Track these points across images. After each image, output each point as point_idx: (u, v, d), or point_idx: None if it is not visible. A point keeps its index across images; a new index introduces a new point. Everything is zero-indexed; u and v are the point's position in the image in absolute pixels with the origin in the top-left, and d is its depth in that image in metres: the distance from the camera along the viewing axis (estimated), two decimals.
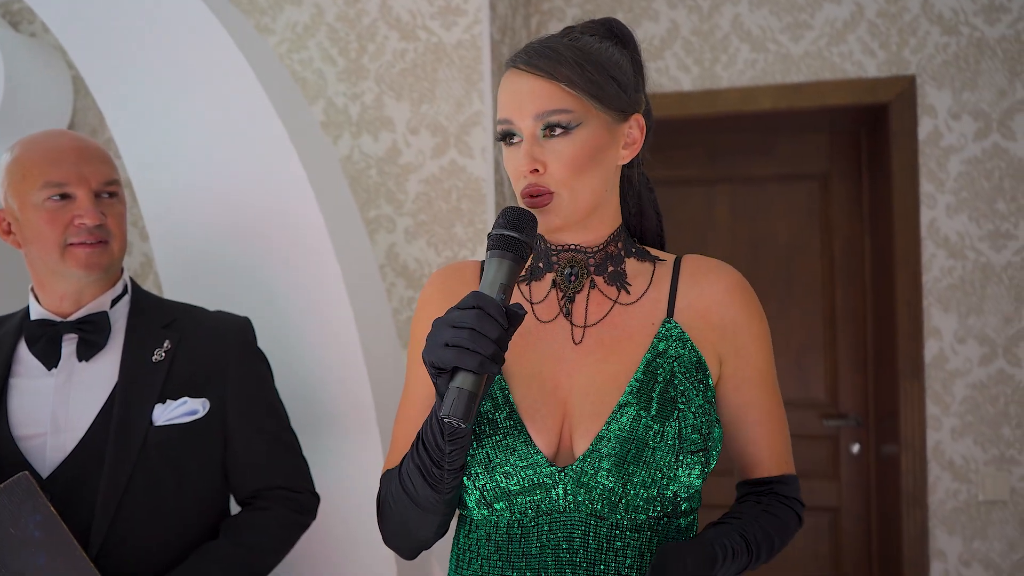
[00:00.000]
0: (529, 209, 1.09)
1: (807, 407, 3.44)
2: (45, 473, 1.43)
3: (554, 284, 1.18)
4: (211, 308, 1.80)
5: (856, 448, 3.40)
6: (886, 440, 3.23)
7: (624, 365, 1.11)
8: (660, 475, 1.06)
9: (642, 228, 1.26)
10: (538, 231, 1.12)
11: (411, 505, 1.10)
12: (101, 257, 1.49)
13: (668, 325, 1.14)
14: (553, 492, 1.07)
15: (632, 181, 1.23)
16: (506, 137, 1.12)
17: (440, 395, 0.98)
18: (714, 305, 1.15)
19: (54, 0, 1.95)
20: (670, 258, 1.20)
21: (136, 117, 1.98)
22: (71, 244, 1.47)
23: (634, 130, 1.16)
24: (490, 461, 1.09)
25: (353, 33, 2.69)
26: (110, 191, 1.52)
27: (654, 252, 1.22)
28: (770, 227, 3.47)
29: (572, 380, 1.12)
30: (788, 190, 3.46)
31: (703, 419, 1.09)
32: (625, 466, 1.06)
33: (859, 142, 3.39)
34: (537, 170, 1.09)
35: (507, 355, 1.14)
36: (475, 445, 1.09)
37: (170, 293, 1.99)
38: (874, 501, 3.38)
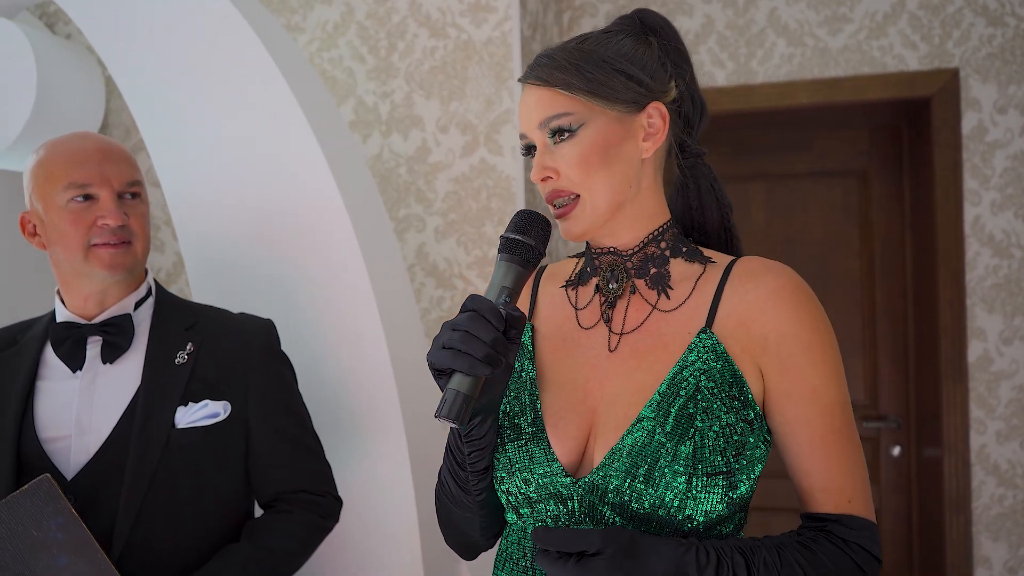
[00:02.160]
0: (557, 218, 1.09)
1: None
2: (70, 475, 1.43)
3: (597, 289, 1.15)
4: (238, 309, 1.79)
5: (897, 450, 3.32)
6: (928, 443, 3.14)
7: (654, 375, 1.06)
8: (671, 496, 1.00)
9: (704, 224, 1.19)
10: (568, 238, 1.11)
11: (451, 505, 1.13)
12: (124, 257, 1.49)
13: (703, 335, 1.06)
14: (569, 503, 1.05)
15: (686, 173, 1.17)
16: (528, 151, 1.12)
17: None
18: (756, 313, 1.05)
19: (84, 2, 1.96)
20: (725, 260, 1.12)
21: (165, 118, 1.98)
22: (95, 245, 1.47)
23: (655, 119, 1.09)
24: (511, 465, 1.08)
25: (383, 31, 2.67)
26: (133, 192, 1.52)
27: (708, 253, 1.14)
28: (807, 224, 3.40)
29: (603, 388, 1.08)
30: (826, 187, 3.39)
31: (730, 440, 1.01)
32: (634, 484, 1.01)
33: (900, 137, 3.31)
34: (549, 177, 1.08)
35: (543, 360, 1.13)
36: (500, 449, 1.09)
37: (198, 293, 1.98)
38: (915, 505, 3.30)
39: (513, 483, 1.07)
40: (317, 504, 1.57)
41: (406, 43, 2.66)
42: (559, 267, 1.23)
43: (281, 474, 1.56)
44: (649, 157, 1.11)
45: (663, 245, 1.13)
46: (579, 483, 1.04)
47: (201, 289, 1.98)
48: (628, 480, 1.01)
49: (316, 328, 1.88)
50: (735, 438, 1.02)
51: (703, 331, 1.06)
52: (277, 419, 1.56)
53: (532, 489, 1.06)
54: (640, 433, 1.02)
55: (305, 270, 1.90)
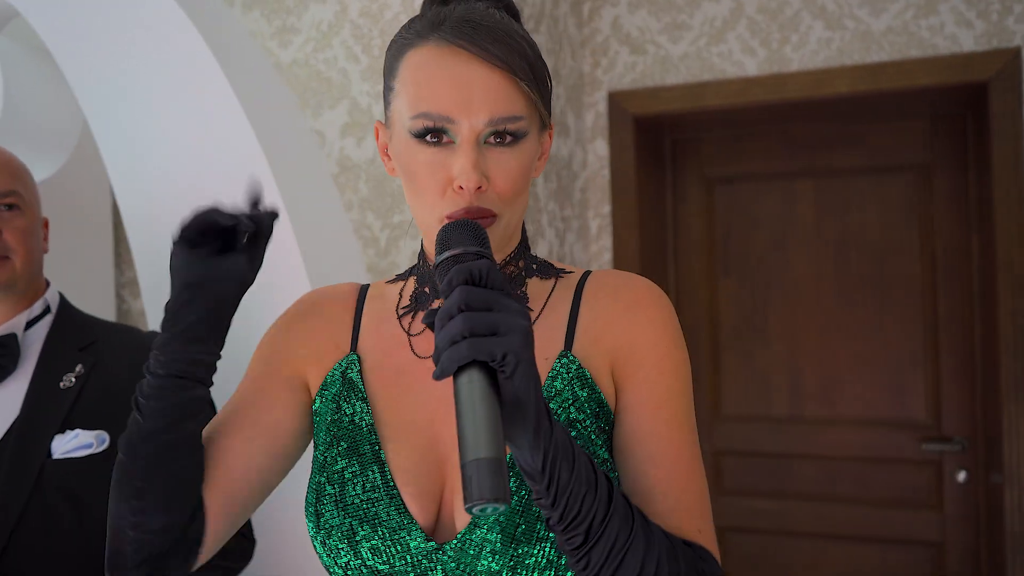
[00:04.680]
0: None
1: (904, 428, 3.04)
2: None
3: None
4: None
5: (962, 476, 2.98)
6: (995, 469, 2.80)
7: None
8: (558, 554, 0.84)
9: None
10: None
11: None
12: None
13: (564, 360, 0.91)
14: (430, 575, 0.86)
15: None
16: (430, 135, 0.87)
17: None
18: (609, 326, 0.92)
19: (47, 12, 1.91)
20: (578, 273, 0.99)
21: (119, 126, 1.92)
22: None
23: (546, 140, 0.97)
24: (354, 534, 0.88)
25: (376, 29, 2.55)
26: (8, 203, 1.43)
27: (560, 266, 1.01)
28: (861, 225, 3.10)
29: (453, 430, 0.90)
30: (882, 183, 3.07)
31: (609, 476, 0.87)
32: (514, 545, 0.84)
33: (965, 127, 2.96)
34: (481, 187, 0.86)
35: (376, 400, 0.95)
36: (336, 512, 0.89)
37: (150, 303, 1.91)
38: (983, 537, 2.95)
39: (358, 555, 0.88)
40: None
41: None
42: (385, 287, 1.05)
43: None
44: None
45: (521, 264, 0.98)
46: (444, 550, 0.86)
47: (153, 299, 1.90)
48: (507, 540, 0.84)
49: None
50: (612, 475, 0.89)
51: (563, 355, 0.91)
52: None
53: (383, 560, 0.87)
54: (514, 483, 0.85)
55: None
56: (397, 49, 0.93)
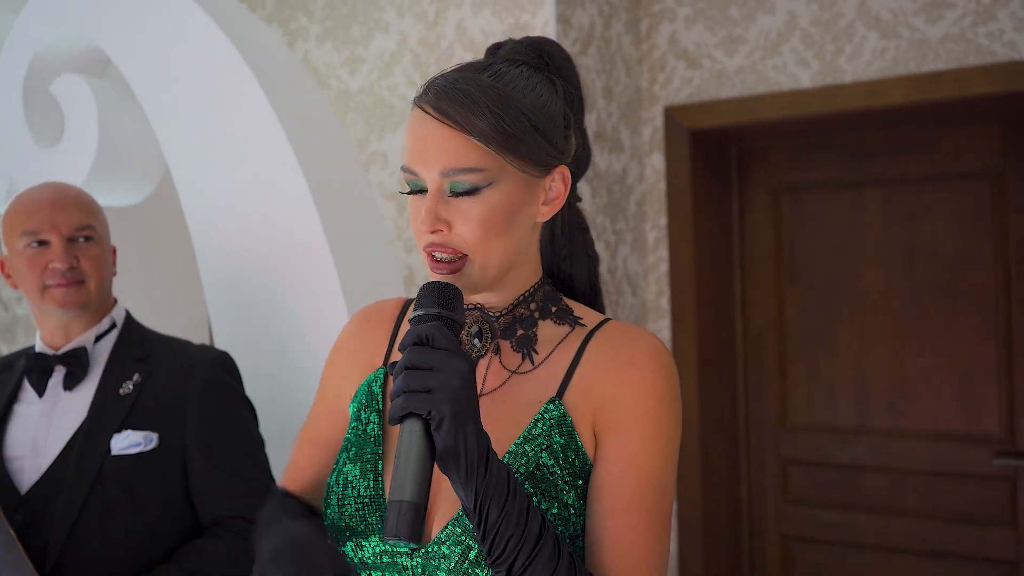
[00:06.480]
0: (435, 272, 1.01)
1: (975, 442, 2.97)
2: (23, 492, 1.59)
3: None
4: (247, 331, 1.90)
5: None
6: None
7: (500, 447, 0.99)
8: None
9: (572, 275, 1.14)
10: None
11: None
12: (77, 296, 1.64)
13: (551, 406, 0.99)
14: (404, 573, 1.00)
15: (558, 222, 1.12)
16: (412, 187, 1.00)
17: None
18: (601, 380, 0.98)
19: (134, 62, 2.17)
20: (594, 321, 1.06)
21: (190, 161, 2.15)
22: (48, 286, 1.64)
23: (557, 183, 1.02)
24: (346, 530, 1.04)
25: (432, 57, 2.72)
26: (85, 235, 1.67)
27: (579, 312, 1.07)
28: (931, 234, 3.04)
29: None
30: (953, 191, 3.01)
31: (568, 522, 0.95)
32: (466, 565, 0.94)
33: None
34: (440, 230, 0.97)
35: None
36: (337, 510, 1.05)
37: (216, 320, 2.13)
38: None
39: (347, 547, 1.03)
40: (251, 531, 1.64)
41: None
42: (385, 307, 1.17)
43: (218, 500, 1.64)
44: (539, 221, 1.05)
45: (532, 307, 1.07)
46: (415, 556, 0.99)
47: (217, 311, 2.12)
48: (460, 562, 0.94)
49: (304, 356, 1.97)
50: (573, 519, 0.96)
51: (552, 401, 1.00)
52: (213, 450, 1.64)
53: (368, 556, 1.02)
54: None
55: (291, 302, 1.99)
56: None
